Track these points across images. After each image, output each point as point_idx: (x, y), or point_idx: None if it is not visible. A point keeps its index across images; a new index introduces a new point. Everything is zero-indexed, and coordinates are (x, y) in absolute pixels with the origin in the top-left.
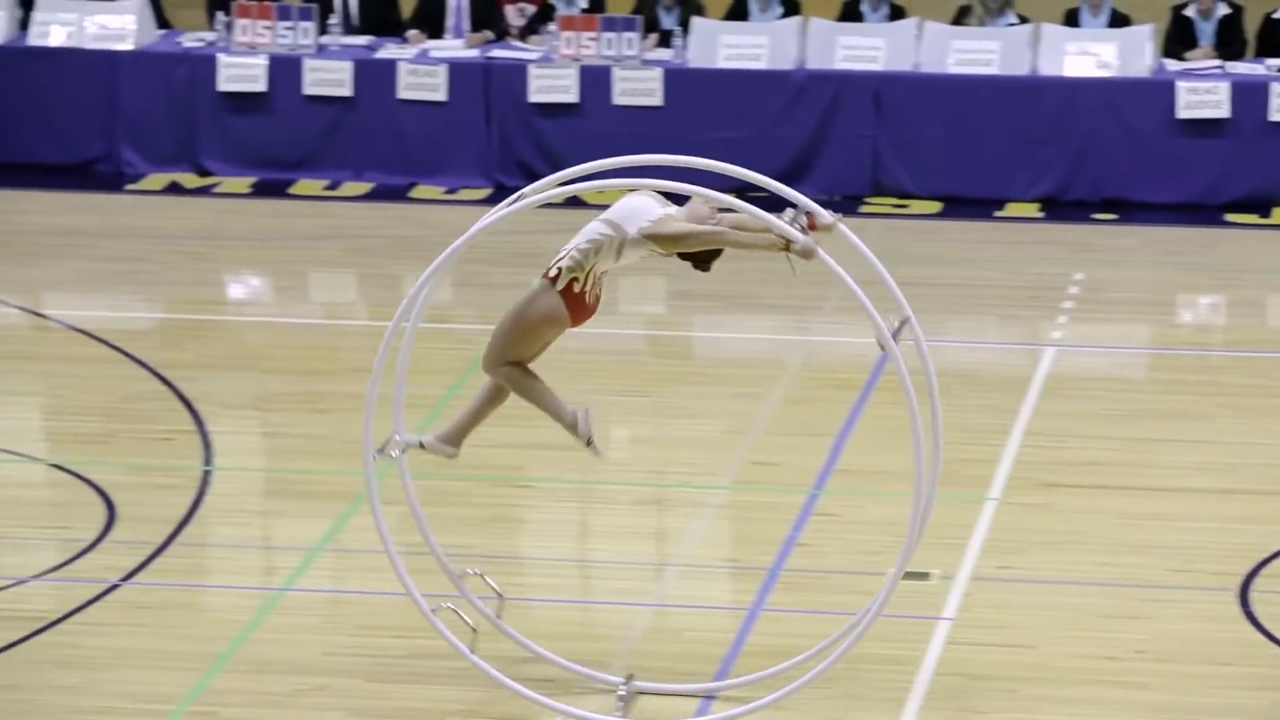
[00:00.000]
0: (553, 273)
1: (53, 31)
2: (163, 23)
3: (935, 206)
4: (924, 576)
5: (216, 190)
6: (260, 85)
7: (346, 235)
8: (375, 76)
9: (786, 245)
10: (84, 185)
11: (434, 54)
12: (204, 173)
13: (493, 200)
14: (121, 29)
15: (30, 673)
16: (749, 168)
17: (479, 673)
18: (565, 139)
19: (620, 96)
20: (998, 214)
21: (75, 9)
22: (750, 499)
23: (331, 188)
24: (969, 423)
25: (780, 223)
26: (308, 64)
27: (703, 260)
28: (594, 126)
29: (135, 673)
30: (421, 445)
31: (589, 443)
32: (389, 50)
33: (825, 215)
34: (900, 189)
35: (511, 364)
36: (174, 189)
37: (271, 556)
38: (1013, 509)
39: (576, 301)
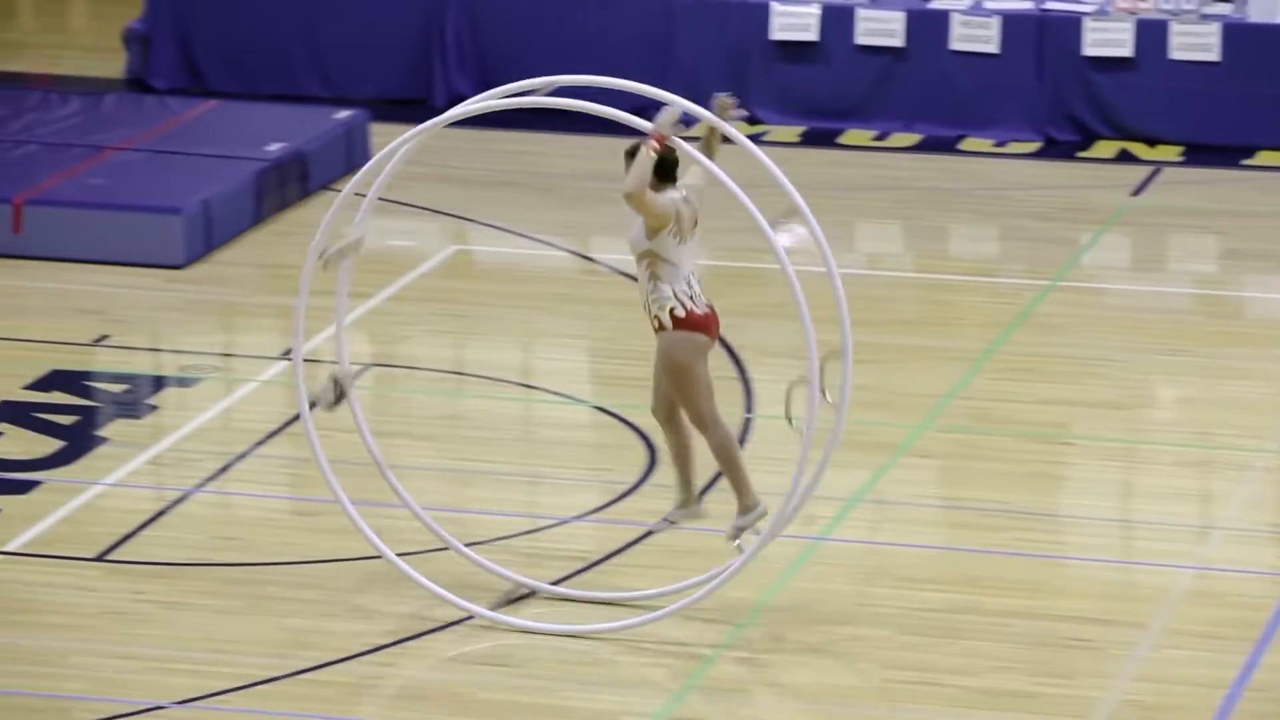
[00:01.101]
0: (656, 324)
1: None
2: None
3: None
4: None
5: (765, 139)
6: (812, 34)
7: (894, 186)
8: (927, 27)
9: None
10: (633, 131)
11: (987, 5)
12: (754, 121)
13: (1043, 155)
14: None
15: (570, 611)
16: None
17: (1021, 630)
18: (1119, 93)
19: (1176, 51)
20: None
21: None
22: None
23: (880, 138)
24: None
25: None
26: (860, 14)
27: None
28: (1149, 81)
29: (669, 617)
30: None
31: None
32: (942, 1)
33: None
34: None
35: (714, 422)
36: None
37: (810, 505)
38: None
39: (692, 323)
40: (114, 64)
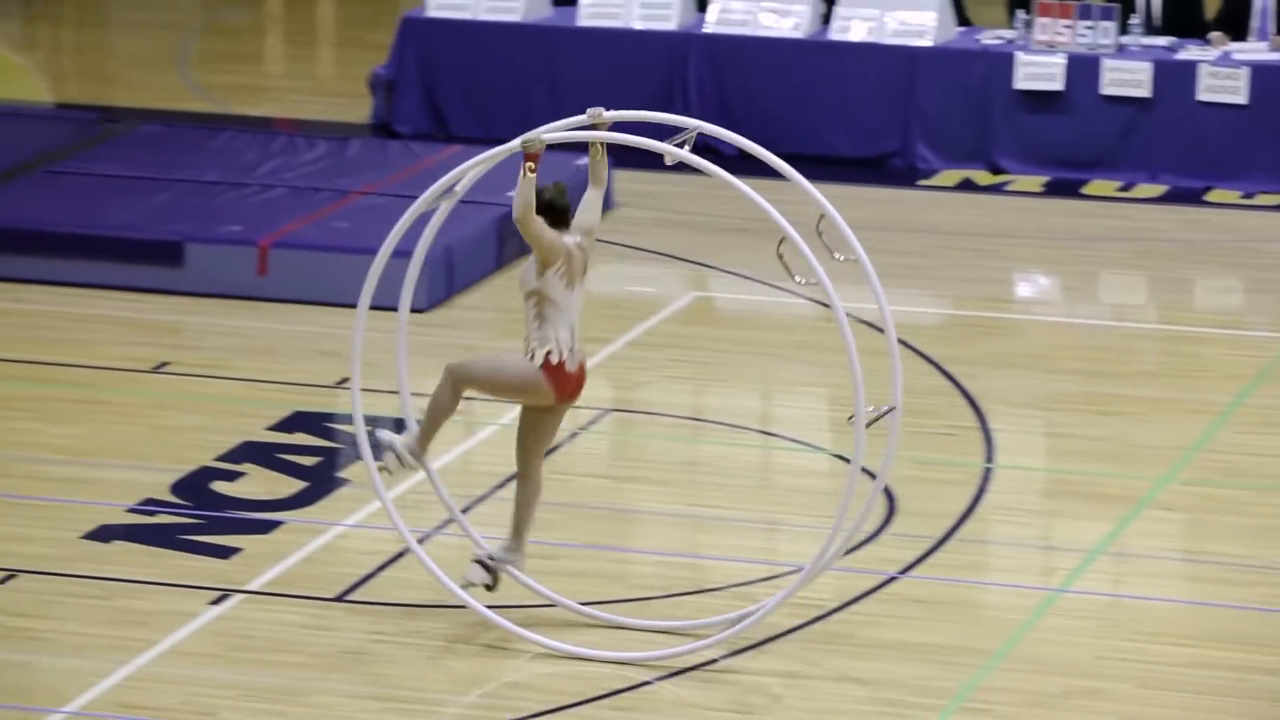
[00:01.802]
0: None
1: (853, 27)
2: (963, 20)
3: None
4: None
5: (1008, 188)
6: (1057, 84)
7: (1138, 237)
8: (1175, 77)
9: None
10: (878, 179)
11: (1236, 56)
12: (997, 170)
13: None
14: (921, 26)
15: (806, 659)
16: None
17: (1265, 686)
18: None
19: None
20: None
21: (877, 5)
22: None
23: (1125, 189)
24: None
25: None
26: (1106, 64)
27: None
28: None
29: (909, 666)
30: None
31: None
32: (1190, 51)
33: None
34: None
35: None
36: (966, 186)
37: (1050, 557)
38: None
39: (555, 377)
40: (359, 109)
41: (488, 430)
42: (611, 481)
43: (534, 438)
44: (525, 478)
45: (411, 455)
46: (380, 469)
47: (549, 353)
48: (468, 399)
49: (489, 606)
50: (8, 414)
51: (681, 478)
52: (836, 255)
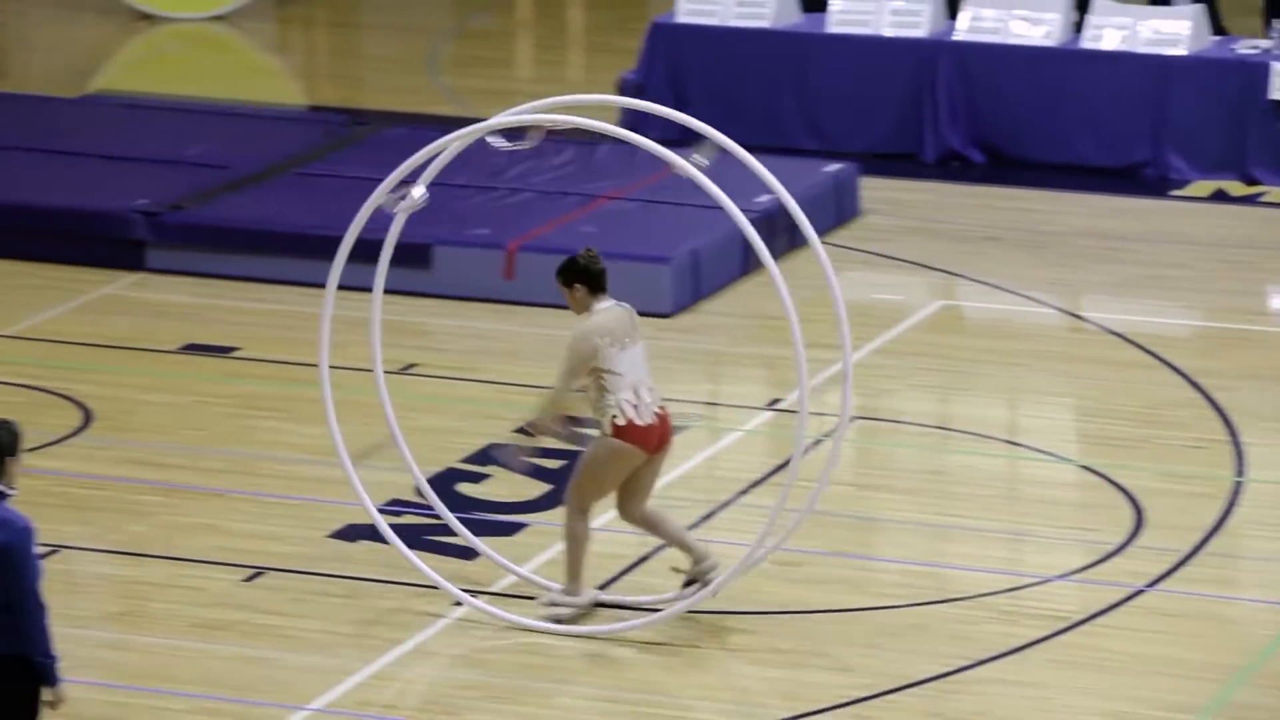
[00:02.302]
0: (600, 431)
1: (1106, 35)
2: (1218, 29)
3: None
4: None
5: (1263, 199)
6: None
7: None
8: None
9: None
10: (1128, 189)
11: None
12: (1251, 181)
13: None
14: (1175, 34)
15: (1051, 671)
16: None
17: None
18: None
19: None
20: None
21: (1130, 13)
22: None
23: None
24: None
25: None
26: None
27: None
28: None
29: (1156, 679)
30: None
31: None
32: None
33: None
34: None
35: (582, 513)
36: (1219, 196)
37: None
38: None
39: (629, 433)
40: (607, 114)
41: (732, 436)
42: (856, 489)
43: (633, 490)
44: (575, 517)
45: (569, 595)
46: (551, 618)
47: (614, 419)
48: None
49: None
50: (258, 414)
51: (927, 486)
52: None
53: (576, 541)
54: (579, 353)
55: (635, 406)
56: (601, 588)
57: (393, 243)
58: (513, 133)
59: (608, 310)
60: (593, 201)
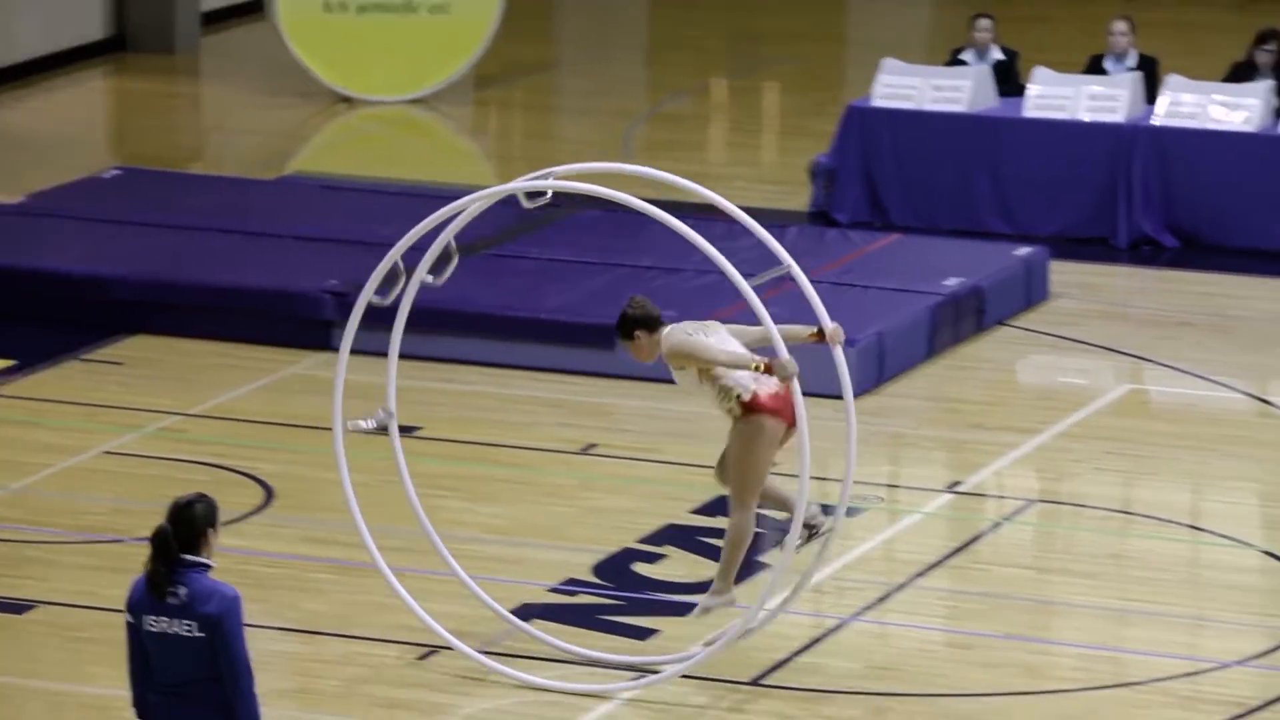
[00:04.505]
0: (731, 416)
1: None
2: None
3: None
4: None
5: None
6: None
7: None
8: None
9: (766, 367)
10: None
11: None
12: None
13: None
14: None
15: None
16: None
17: None
18: None
19: None
20: None
21: (1201, 90)
22: None
23: None
24: None
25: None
26: None
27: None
28: None
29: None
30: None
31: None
32: None
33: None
34: None
35: (746, 506)
36: None
37: None
38: None
39: (759, 405)
40: (799, 198)
41: (911, 518)
42: (1035, 573)
43: (760, 470)
44: (740, 511)
45: (717, 597)
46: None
47: (739, 398)
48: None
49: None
50: (440, 493)
51: (1107, 570)
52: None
53: (741, 539)
54: (689, 343)
55: (755, 379)
56: (771, 671)
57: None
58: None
59: (672, 330)
60: (780, 284)
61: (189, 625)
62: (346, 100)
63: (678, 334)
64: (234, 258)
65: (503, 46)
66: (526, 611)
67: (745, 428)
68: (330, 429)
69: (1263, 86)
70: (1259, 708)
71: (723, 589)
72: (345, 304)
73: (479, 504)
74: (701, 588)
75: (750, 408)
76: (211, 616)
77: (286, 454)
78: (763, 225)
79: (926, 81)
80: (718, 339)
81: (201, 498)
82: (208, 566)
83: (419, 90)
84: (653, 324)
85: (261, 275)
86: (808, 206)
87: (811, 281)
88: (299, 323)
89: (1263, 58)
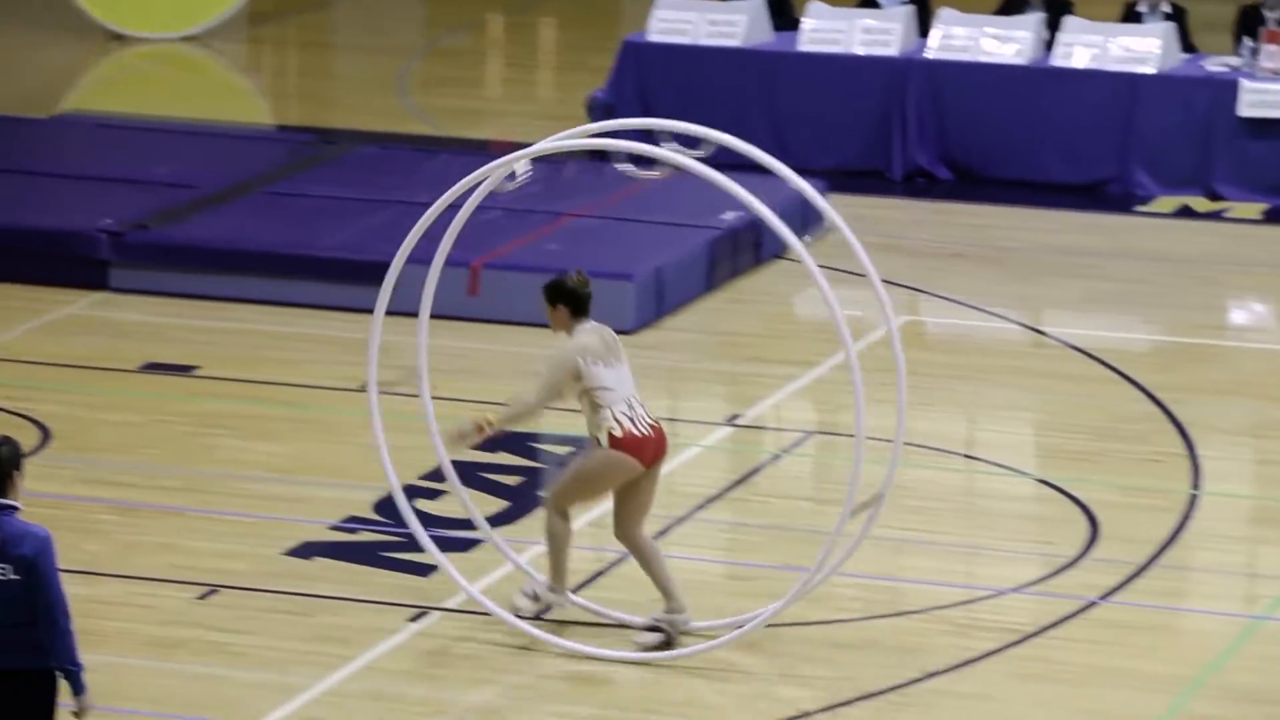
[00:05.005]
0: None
1: (1076, 53)
2: (1187, 46)
3: None
4: None
5: (1227, 215)
6: None
7: None
8: None
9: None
10: (1094, 205)
11: None
12: (1215, 197)
13: None
14: (1146, 52)
15: (1003, 684)
16: None
17: None
18: None
19: None
20: None
21: (1101, 31)
22: None
23: None
24: None
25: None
26: None
27: None
28: None
29: (1107, 691)
30: (536, 596)
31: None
32: None
33: None
34: None
35: (564, 515)
36: (1184, 212)
37: (1254, 584)
38: None
39: (626, 444)
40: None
41: (690, 452)
42: (814, 504)
43: (633, 507)
44: (555, 515)
45: (553, 594)
46: (520, 613)
47: (610, 431)
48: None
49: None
50: (216, 431)
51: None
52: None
53: (558, 541)
54: (559, 369)
55: (630, 419)
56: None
57: (441, 260)
58: (642, 162)
59: (589, 331)
60: (559, 219)
61: (4, 569)
62: (118, 37)
63: (574, 348)
64: (7, 197)
65: None
66: (308, 550)
67: (604, 455)
68: (107, 369)
69: (1033, 19)
70: (1034, 634)
71: (557, 588)
72: (122, 244)
73: (258, 442)
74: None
75: (615, 444)
76: (26, 558)
77: (63, 395)
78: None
79: (702, 16)
80: (613, 376)
81: (6, 440)
82: (16, 509)
83: (192, 27)
84: (577, 307)
85: (36, 215)
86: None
87: (590, 218)
88: (74, 262)
89: None
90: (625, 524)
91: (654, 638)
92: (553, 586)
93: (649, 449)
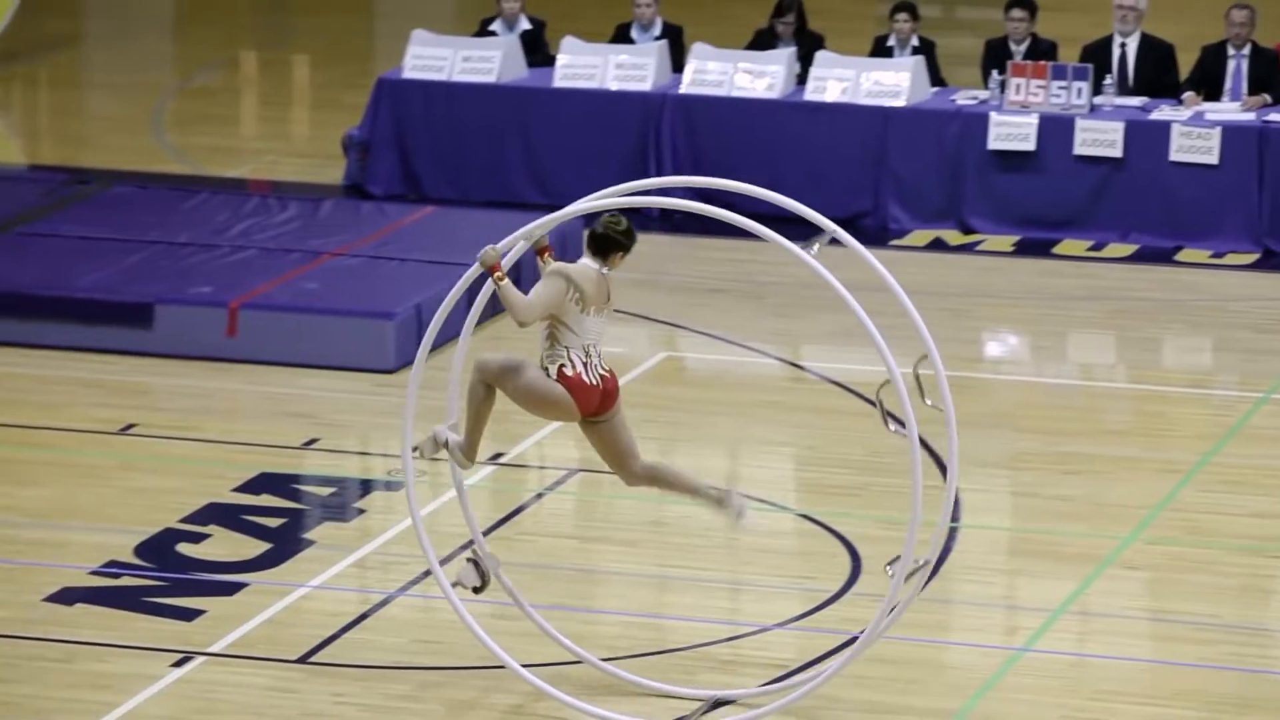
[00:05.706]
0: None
1: (828, 87)
2: (937, 80)
3: None
4: None
5: (979, 248)
6: (1030, 144)
7: (1108, 297)
8: (1147, 137)
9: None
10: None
11: (1209, 116)
12: (968, 230)
13: (1260, 266)
14: (896, 86)
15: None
16: None
17: None
18: None
19: None
20: None
21: (852, 65)
22: None
23: (1096, 248)
24: None
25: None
26: (1079, 124)
27: None
28: None
29: None
30: (446, 444)
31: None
32: (1163, 112)
33: None
34: None
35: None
36: (937, 245)
37: (1014, 616)
38: None
39: (572, 384)
40: (333, 171)
41: (451, 492)
42: (578, 542)
43: (619, 453)
44: (483, 376)
45: (460, 451)
46: (415, 449)
47: (561, 366)
48: None
49: (524, 665)
50: None
51: (648, 538)
52: (926, 400)
53: (478, 404)
54: (550, 290)
55: (585, 365)
56: (319, 648)
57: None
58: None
59: (587, 269)
60: (317, 258)
61: None
62: None
63: (561, 274)
64: None
65: (25, 21)
66: (69, 595)
67: (549, 384)
68: None
69: (785, 54)
70: (798, 669)
71: (463, 447)
72: None
73: (16, 487)
74: (246, 566)
75: (564, 380)
76: None
77: None
78: (296, 200)
79: (456, 53)
80: (586, 324)
81: None
82: None
83: None
84: (598, 247)
85: None
86: (342, 180)
87: (349, 256)
88: None
89: (782, 28)
90: (625, 471)
91: (472, 578)
92: (461, 444)
93: (592, 399)
